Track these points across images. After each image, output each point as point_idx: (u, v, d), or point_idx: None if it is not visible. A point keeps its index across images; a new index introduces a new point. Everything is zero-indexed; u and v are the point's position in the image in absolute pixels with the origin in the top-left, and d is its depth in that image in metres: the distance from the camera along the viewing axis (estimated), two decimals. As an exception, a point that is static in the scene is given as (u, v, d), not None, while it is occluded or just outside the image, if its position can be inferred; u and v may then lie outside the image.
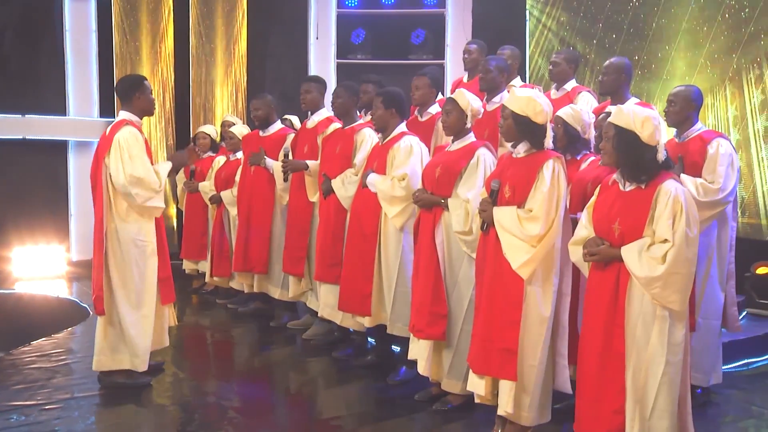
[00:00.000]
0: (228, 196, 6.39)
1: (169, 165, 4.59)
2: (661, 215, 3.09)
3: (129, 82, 4.61)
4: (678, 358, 3.13)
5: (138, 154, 4.34)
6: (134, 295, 4.38)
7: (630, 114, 3.18)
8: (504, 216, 3.56)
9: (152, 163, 4.50)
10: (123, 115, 4.51)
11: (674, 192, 3.09)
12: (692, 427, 3.27)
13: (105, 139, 4.45)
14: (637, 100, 4.77)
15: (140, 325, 4.39)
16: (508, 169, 3.69)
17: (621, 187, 3.25)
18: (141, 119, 4.56)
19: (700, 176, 4.17)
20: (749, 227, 6.31)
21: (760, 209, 6.22)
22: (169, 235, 8.26)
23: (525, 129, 3.62)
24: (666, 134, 3.95)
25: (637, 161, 3.17)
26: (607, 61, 4.87)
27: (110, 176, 4.35)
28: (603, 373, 3.21)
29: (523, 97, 3.63)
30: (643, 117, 3.15)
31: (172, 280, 4.64)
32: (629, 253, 3.13)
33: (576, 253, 3.40)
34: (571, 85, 5.27)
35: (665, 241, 3.07)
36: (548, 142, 3.63)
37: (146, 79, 4.63)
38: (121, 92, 4.59)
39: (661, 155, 3.16)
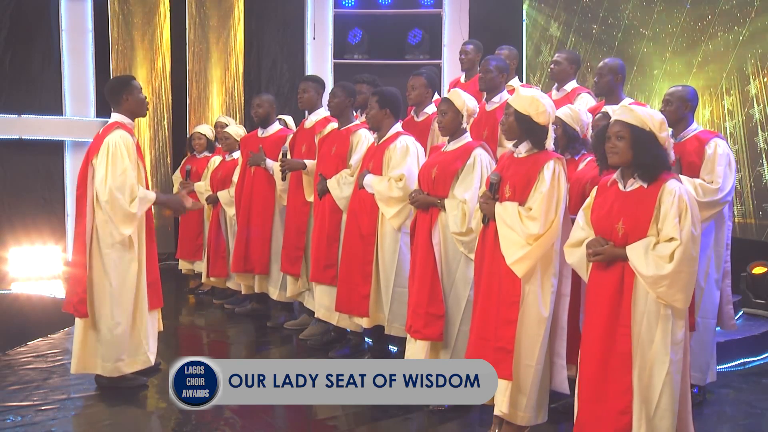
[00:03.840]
0: (225, 196, 6.38)
1: (153, 198, 4.37)
2: (667, 214, 3.09)
3: (116, 84, 4.52)
4: (679, 356, 3.14)
5: (123, 165, 4.22)
6: (112, 299, 4.29)
7: (646, 115, 3.19)
8: (506, 211, 3.57)
9: (144, 168, 4.44)
10: (115, 117, 4.43)
11: (678, 191, 3.11)
12: (692, 426, 3.28)
13: (95, 140, 4.39)
14: (632, 100, 4.78)
15: (118, 329, 4.31)
16: (509, 168, 3.68)
17: (621, 187, 3.25)
18: (133, 120, 4.48)
19: (697, 176, 4.18)
20: (746, 227, 6.32)
21: (757, 209, 6.23)
22: (166, 236, 8.30)
23: (526, 128, 3.62)
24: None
25: (653, 161, 3.17)
26: (601, 62, 4.87)
27: (94, 179, 4.28)
28: (607, 374, 3.20)
29: (527, 96, 3.64)
30: (660, 119, 3.19)
31: (159, 285, 4.54)
32: (635, 253, 3.13)
33: (573, 255, 3.39)
34: (571, 85, 5.27)
35: (671, 239, 3.06)
36: (549, 144, 3.63)
37: (134, 79, 4.53)
38: (110, 95, 4.49)
39: (672, 156, 3.20)
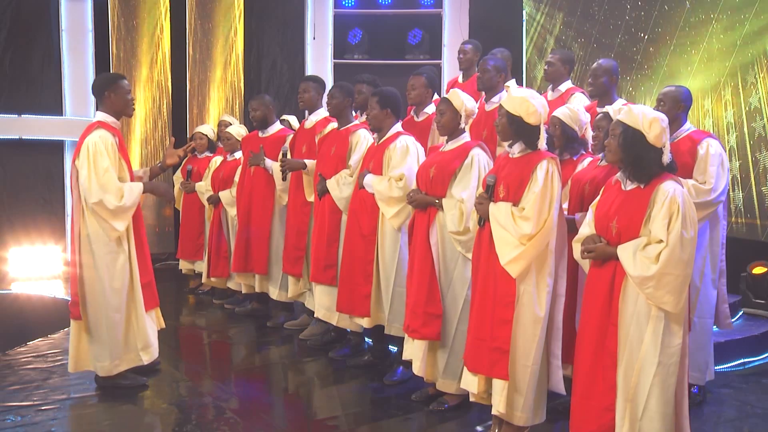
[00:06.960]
0: (227, 196, 6.38)
1: (140, 188, 4.34)
2: (657, 215, 3.10)
3: (101, 80, 4.41)
4: (673, 360, 3.12)
5: (104, 164, 4.19)
6: (105, 299, 4.28)
7: (639, 114, 3.20)
8: (499, 211, 3.58)
9: (128, 165, 4.37)
10: (98, 116, 4.36)
11: (672, 192, 3.10)
12: (689, 429, 3.26)
13: (78, 141, 4.33)
14: (624, 101, 4.80)
15: (112, 329, 4.30)
16: (503, 168, 3.70)
17: (622, 186, 3.27)
18: (118, 120, 4.39)
19: (690, 176, 4.18)
20: (745, 227, 6.32)
21: (757, 209, 6.23)
22: (166, 236, 8.31)
23: (518, 129, 3.63)
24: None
25: (640, 160, 3.19)
26: (595, 63, 4.88)
27: (78, 181, 4.26)
28: (595, 371, 3.23)
29: (517, 97, 3.64)
30: (652, 118, 3.18)
31: (154, 285, 4.54)
32: (625, 252, 3.14)
33: (579, 251, 3.41)
34: (566, 86, 5.29)
35: (661, 241, 3.07)
36: (542, 144, 3.64)
37: (123, 78, 4.42)
38: (94, 90, 4.41)
39: (666, 158, 3.19)
